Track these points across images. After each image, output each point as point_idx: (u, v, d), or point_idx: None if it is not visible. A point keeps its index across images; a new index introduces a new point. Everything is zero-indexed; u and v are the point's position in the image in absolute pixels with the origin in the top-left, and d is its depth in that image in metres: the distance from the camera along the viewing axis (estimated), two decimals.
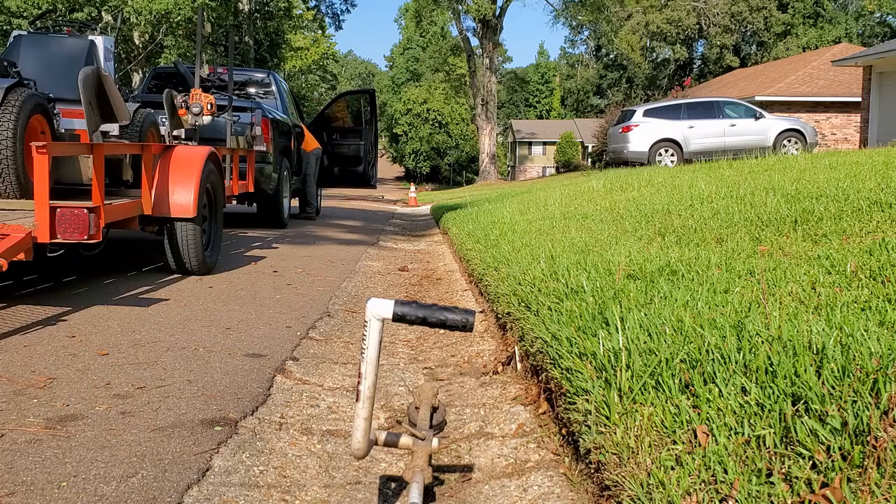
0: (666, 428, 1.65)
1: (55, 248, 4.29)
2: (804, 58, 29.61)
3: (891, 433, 1.38)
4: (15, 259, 3.30)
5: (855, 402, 1.53)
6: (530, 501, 1.82)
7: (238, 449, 2.09)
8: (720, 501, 1.39)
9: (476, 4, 31.58)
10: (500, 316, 3.30)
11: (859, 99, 19.51)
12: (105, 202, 3.84)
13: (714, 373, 1.80)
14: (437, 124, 55.63)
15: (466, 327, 1.70)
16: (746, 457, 1.48)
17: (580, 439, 1.85)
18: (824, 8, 49.08)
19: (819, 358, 1.76)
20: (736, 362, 1.83)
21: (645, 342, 2.07)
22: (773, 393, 1.64)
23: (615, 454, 1.64)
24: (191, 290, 4.47)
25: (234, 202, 7.04)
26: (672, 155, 16.01)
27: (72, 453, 1.98)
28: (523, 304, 3.00)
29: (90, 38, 5.27)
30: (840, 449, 1.41)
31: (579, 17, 36.33)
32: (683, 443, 1.58)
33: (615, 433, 1.69)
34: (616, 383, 1.87)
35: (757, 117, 16.32)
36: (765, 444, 1.50)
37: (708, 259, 3.34)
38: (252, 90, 9.13)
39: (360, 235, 8.65)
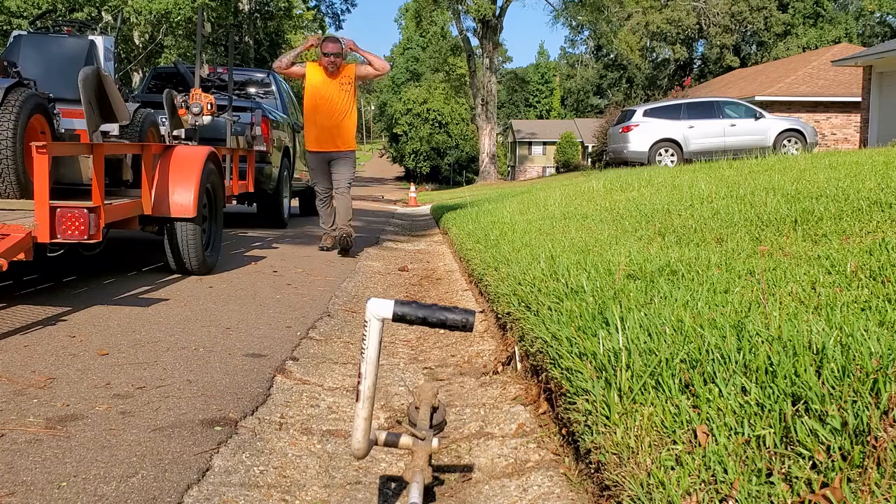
0: (666, 428, 1.65)
1: (55, 248, 4.29)
2: (804, 58, 29.62)
3: (891, 433, 1.38)
4: (15, 259, 3.30)
5: (855, 402, 1.53)
6: (530, 501, 1.82)
7: (238, 449, 2.09)
8: (720, 501, 1.39)
9: (476, 4, 31.58)
10: (500, 316, 3.30)
11: (859, 99, 19.52)
12: (105, 202, 3.84)
13: (714, 373, 1.80)
14: (437, 124, 55.66)
15: (466, 327, 1.70)
16: (746, 457, 1.48)
17: (580, 439, 1.85)
18: (824, 8, 49.09)
19: (819, 358, 1.76)
20: (736, 362, 1.83)
21: (645, 342, 2.07)
22: (773, 393, 1.64)
23: (615, 454, 1.64)
24: (191, 290, 4.47)
25: (234, 202, 7.04)
26: (672, 155, 16.01)
27: (72, 453, 1.98)
28: (523, 304, 3.00)
29: (90, 38, 5.28)
30: (840, 449, 1.41)
31: (579, 18, 36.32)
32: (683, 443, 1.58)
33: (615, 433, 1.69)
34: (616, 383, 1.87)
35: (757, 117, 16.33)
36: (765, 444, 1.50)
37: (708, 259, 3.34)
38: (252, 90, 9.13)
39: (360, 235, 8.65)
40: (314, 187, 6.52)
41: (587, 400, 1.89)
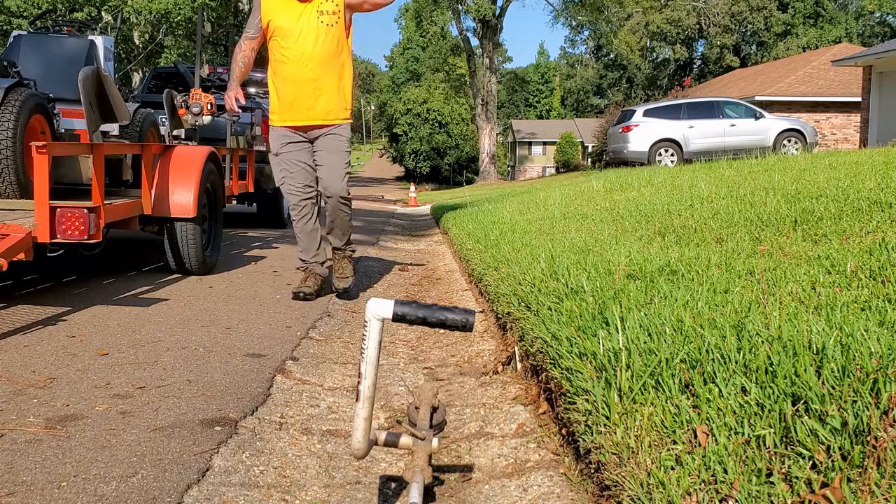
0: (666, 428, 1.65)
1: (55, 248, 4.29)
2: (804, 58, 29.63)
3: (891, 433, 1.38)
4: (15, 259, 3.30)
5: (855, 402, 1.53)
6: (530, 501, 1.82)
7: (238, 449, 2.09)
8: (720, 501, 1.39)
9: (476, 4, 31.59)
10: (500, 316, 3.30)
11: (859, 99, 19.53)
12: (105, 202, 3.84)
13: (714, 373, 1.80)
14: (437, 124, 55.63)
15: (466, 327, 1.70)
16: (746, 457, 1.48)
17: (580, 439, 1.85)
18: (824, 8, 49.14)
19: (819, 358, 1.76)
20: (736, 362, 1.83)
21: (645, 342, 2.07)
22: (773, 393, 1.64)
23: (615, 454, 1.64)
24: (191, 290, 4.47)
25: (234, 202, 7.04)
26: (672, 155, 16.02)
27: (72, 453, 1.98)
28: (523, 303, 3.00)
29: (90, 38, 5.28)
30: (840, 449, 1.41)
31: (579, 18, 36.36)
32: (683, 443, 1.58)
33: (615, 433, 1.69)
34: (616, 383, 1.87)
35: (757, 117, 16.34)
36: (765, 444, 1.50)
37: (708, 259, 3.34)
38: (252, 90, 9.13)
39: (360, 235, 8.65)
40: (282, 188, 4.28)
41: (587, 400, 1.89)
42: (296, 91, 4.08)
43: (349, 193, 4.29)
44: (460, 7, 33.27)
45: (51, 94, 4.52)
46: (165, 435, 2.13)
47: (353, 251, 4.54)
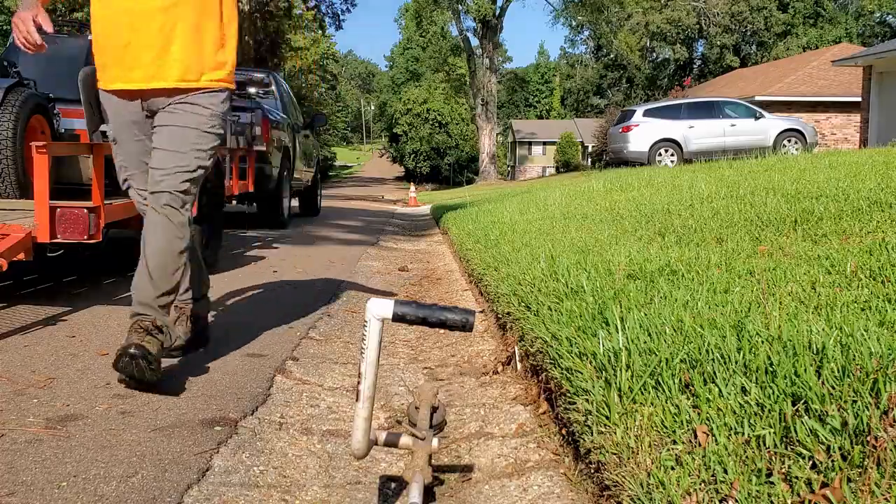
0: (666, 428, 1.65)
1: (55, 248, 4.29)
2: (804, 58, 29.66)
3: (891, 433, 1.38)
4: (15, 259, 3.30)
5: (855, 402, 1.53)
6: (530, 501, 1.82)
7: (238, 449, 2.09)
8: (720, 501, 1.39)
9: (476, 4, 31.63)
10: (500, 316, 3.30)
11: (859, 99, 19.53)
12: (105, 202, 3.84)
13: (714, 373, 1.80)
14: (437, 124, 55.63)
15: (466, 327, 1.70)
16: (746, 457, 1.48)
17: (580, 439, 1.85)
18: (824, 8, 49.19)
19: (819, 358, 1.76)
20: (736, 362, 1.83)
21: (645, 342, 2.07)
22: (773, 393, 1.64)
23: (615, 454, 1.64)
24: None
25: (234, 202, 7.03)
26: (672, 155, 16.03)
27: (72, 453, 1.98)
28: (523, 303, 3.00)
29: (90, 37, 5.28)
30: (840, 449, 1.41)
31: (579, 18, 36.40)
32: (683, 443, 1.58)
33: (615, 433, 1.69)
34: (616, 383, 1.87)
35: (757, 117, 16.35)
36: (765, 444, 1.50)
37: (708, 259, 3.34)
38: (252, 90, 9.13)
39: (360, 235, 8.65)
40: (129, 193, 2.78)
41: (587, 400, 1.89)
42: (130, 29, 2.44)
43: (186, 204, 2.57)
44: (460, 7, 33.31)
45: (51, 94, 4.52)
46: (165, 435, 2.13)
47: (164, 325, 2.54)
